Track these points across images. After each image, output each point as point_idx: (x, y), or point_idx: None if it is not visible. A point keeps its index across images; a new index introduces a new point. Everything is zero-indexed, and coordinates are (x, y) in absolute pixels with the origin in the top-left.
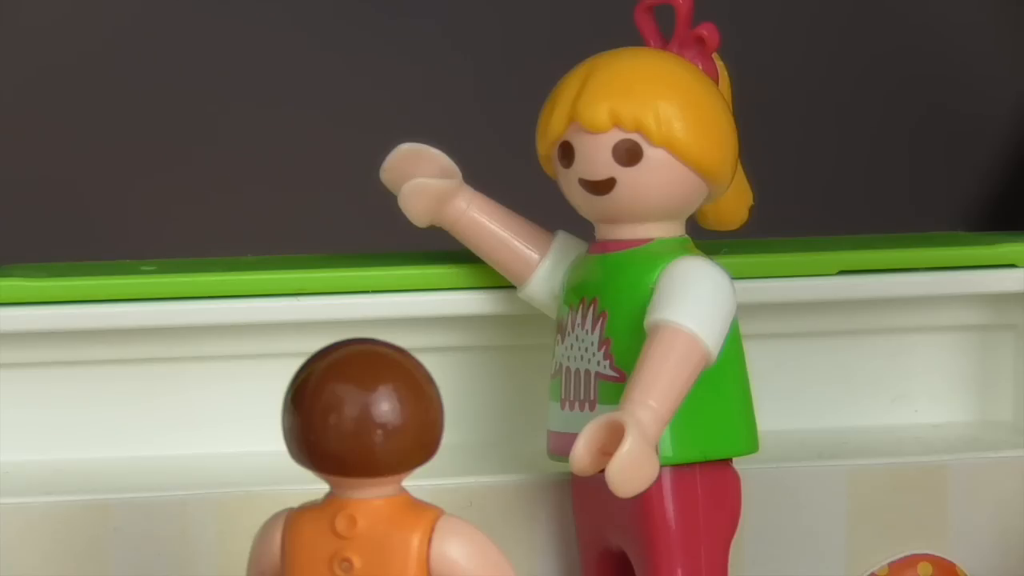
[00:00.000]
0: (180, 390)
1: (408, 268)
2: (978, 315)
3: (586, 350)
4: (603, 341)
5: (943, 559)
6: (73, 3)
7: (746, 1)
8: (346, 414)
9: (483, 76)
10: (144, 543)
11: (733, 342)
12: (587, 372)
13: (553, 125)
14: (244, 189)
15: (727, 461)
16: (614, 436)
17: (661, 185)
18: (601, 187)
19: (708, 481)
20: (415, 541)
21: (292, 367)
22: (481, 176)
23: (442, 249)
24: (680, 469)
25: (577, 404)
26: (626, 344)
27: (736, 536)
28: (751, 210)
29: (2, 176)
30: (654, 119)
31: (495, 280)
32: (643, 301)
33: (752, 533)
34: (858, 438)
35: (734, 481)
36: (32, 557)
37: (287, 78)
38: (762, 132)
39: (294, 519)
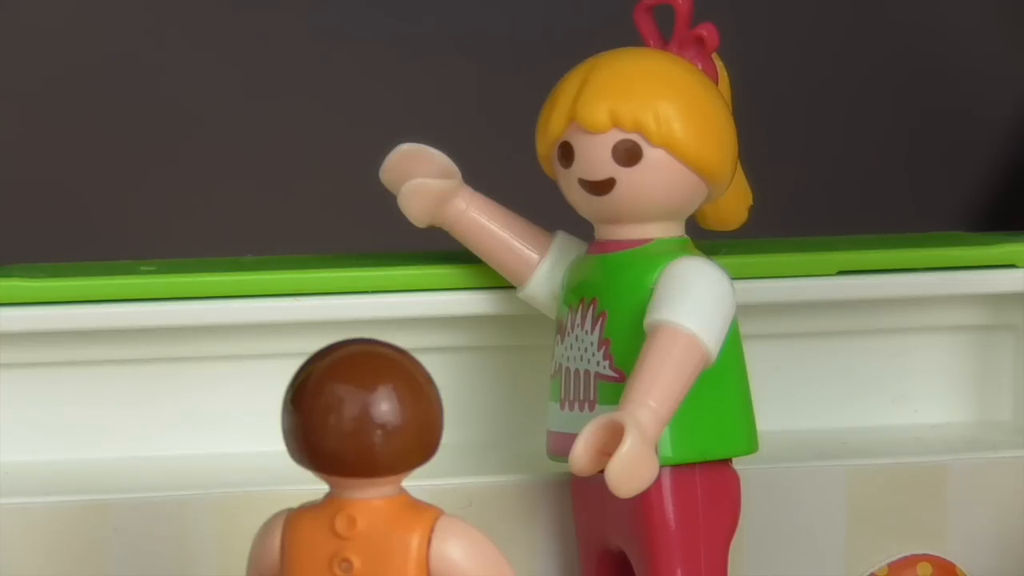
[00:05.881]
0: (180, 390)
1: (408, 268)
2: (978, 315)
3: (586, 350)
4: (603, 341)
5: (943, 559)
6: (75, 4)
7: (746, 1)
8: (346, 414)
9: (483, 76)
10: (143, 543)
11: (733, 342)
12: (587, 372)
13: (553, 125)
14: (244, 189)
15: (727, 461)
16: (614, 436)
17: (661, 185)
18: (601, 187)
19: (708, 481)
20: (415, 541)
21: (292, 367)
22: (481, 176)
23: (442, 249)
24: (680, 469)
25: (577, 404)
26: (626, 344)
27: (736, 536)
28: (751, 210)
29: (2, 176)
30: (653, 119)
31: (495, 280)
32: (643, 301)
33: (752, 533)
34: (858, 438)
35: (734, 481)
36: (32, 557)
37: (287, 78)
38: (762, 132)
39: (293, 519)
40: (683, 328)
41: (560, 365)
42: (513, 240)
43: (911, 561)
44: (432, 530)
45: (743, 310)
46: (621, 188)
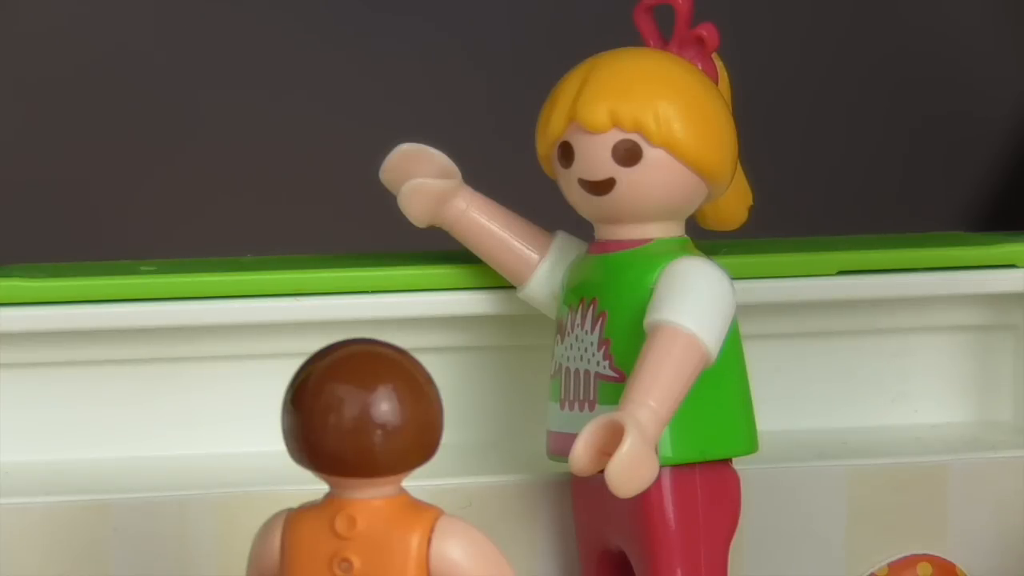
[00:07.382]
0: (180, 390)
1: (408, 268)
2: (978, 315)
3: (585, 350)
4: (603, 341)
5: (943, 559)
6: (76, 4)
7: (746, 1)
8: (346, 414)
9: (483, 76)
10: (144, 543)
11: (733, 342)
12: (587, 372)
13: (553, 125)
14: (244, 189)
15: (727, 461)
16: (614, 436)
17: (661, 185)
18: (601, 187)
19: (708, 481)
20: (415, 541)
21: (292, 367)
22: (481, 176)
23: (442, 249)
24: (680, 469)
25: (577, 404)
26: (626, 344)
27: (736, 536)
28: (751, 210)
29: (3, 176)
30: (653, 119)
31: (495, 280)
32: (643, 301)
33: (752, 533)
34: (858, 438)
35: (734, 481)
36: (32, 557)
37: (287, 78)
38: (762, 132)
39: (293, 519)
40: (683, 328)
41: (560, 365)
42: (513, 240)
43: (911, 561)
44: (432, 530)
45: (743, 310)
46: (621, 188)
